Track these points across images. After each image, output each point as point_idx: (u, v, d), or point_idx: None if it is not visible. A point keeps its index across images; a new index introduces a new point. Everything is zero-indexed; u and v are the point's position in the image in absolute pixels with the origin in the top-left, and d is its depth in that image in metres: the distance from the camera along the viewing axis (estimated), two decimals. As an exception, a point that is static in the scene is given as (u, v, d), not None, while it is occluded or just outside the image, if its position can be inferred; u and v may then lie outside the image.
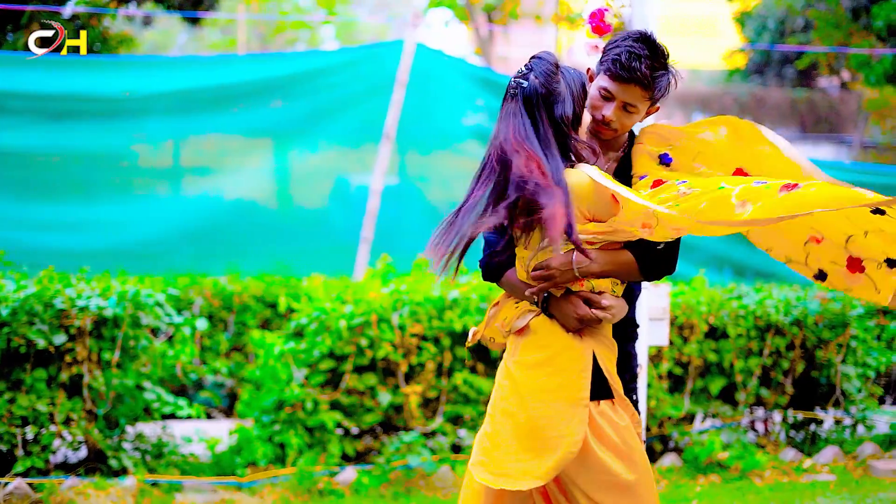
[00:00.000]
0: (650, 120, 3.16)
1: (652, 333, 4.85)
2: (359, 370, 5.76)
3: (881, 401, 7.29)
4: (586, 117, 2.87)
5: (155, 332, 5.94)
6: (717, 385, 6.18)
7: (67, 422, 5.26)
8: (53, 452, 5.33)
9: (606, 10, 3.40)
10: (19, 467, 5.11)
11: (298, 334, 5.96)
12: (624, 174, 2.94)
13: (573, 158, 2.80)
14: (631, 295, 3.00)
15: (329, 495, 5.39)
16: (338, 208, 8.04)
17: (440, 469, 5.58)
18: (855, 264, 2.75)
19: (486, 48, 21.09)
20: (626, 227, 2.71)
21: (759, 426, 6.52)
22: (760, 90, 23.94)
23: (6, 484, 5.04)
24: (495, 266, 2.98)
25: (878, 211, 2.58)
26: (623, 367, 2.95)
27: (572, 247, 2.74)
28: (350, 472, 5.54)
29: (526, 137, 2.73)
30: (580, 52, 3.50)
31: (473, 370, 5.88)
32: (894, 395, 7.57)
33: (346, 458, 5.78)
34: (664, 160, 2.91)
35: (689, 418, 6.29)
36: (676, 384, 6.22)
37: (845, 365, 6.35)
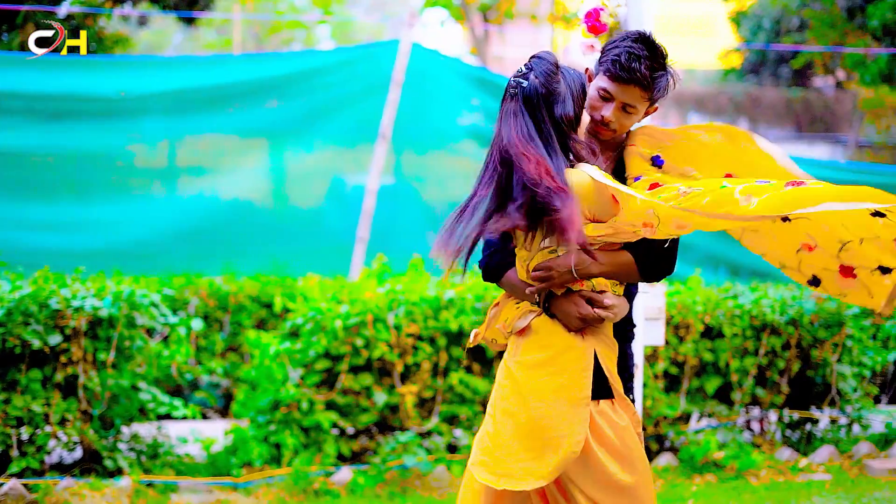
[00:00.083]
0: (647, 121, 3.16)
1: (648, 333, 4.84)
2: (354, 370, 5.75)
3: (877, 400, 7.29)
4: (585, 118, 2.87)
5: (150, 332, 5.93)
6: (712, 384, 6.18)
7: (62, 422, 5.25)
8: (48, 453, 5.32)
9: (602, 9, 3.40)
10: (14, 468, 5.10)
11: (294, 334, 5.95)
12: (618, 176, 2.93)
13: (573, 158, 2.79)
14: (628, 295, 2.99)
15: (325, 495, 5.38)
16: (333, 208, 8.02)
17: (436, 469, 5.58)
18: (847, 271, 2.74)
19: (482, 48, 21.08)
20: (628, 227, 2.71)
21: (755, 426, 6.52)
22: (756, 90, 23.97)
23: (1, 485, 5.03)
24: (495, 266, 2.98)
25: (877, 213, 2.56)
26: (621, 366, 2.95)
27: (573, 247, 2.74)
28: (346, 473, 5.53)
29: (529, 138, 2.71)
30: (576, 52, 3.48)
31: (469, 370, 5.88)
32: (890, 394, 7.58)
33: (341, 459, 5.77)
34: (656, 162, 2.90)
35: (685, 418, 6.29)
36: (672, 384, 6.23)
37: (841, 364, 6.35)
